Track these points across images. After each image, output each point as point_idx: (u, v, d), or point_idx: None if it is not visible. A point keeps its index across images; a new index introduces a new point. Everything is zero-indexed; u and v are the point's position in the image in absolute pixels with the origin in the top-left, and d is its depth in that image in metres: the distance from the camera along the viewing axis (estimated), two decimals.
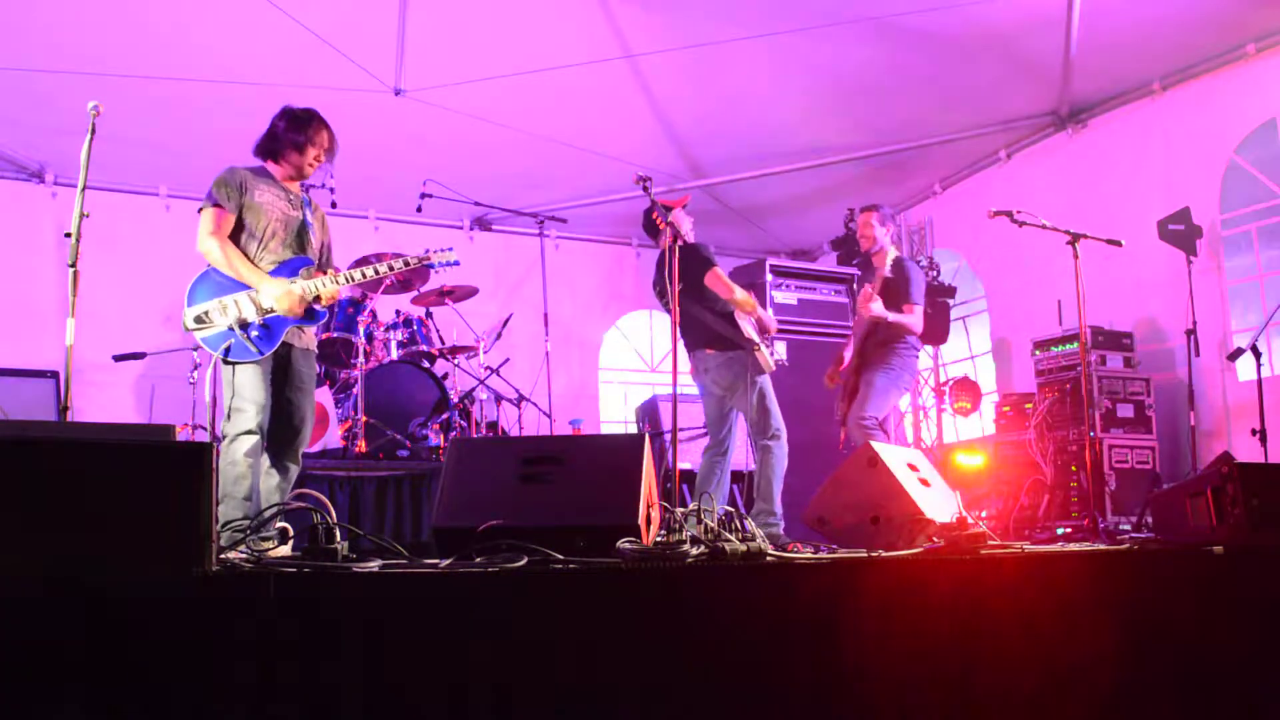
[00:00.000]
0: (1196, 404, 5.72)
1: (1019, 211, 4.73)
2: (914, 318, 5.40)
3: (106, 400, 6.69)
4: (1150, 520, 4.15)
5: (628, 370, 9.29)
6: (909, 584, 2.64)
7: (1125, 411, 6.05)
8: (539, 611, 2.16)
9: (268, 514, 2.91)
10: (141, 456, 1.99)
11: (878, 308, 5.31)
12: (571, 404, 7.97)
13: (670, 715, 2.22)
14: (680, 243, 4.63)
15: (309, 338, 4.13)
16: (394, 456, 5.80)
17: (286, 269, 4.00)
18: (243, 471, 3.74)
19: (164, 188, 7.31)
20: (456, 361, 6.61)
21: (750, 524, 2.79)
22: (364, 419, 5.73)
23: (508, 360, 6.91)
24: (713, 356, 5.19)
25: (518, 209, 7.30)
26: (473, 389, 6.48)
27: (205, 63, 5.75)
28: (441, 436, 6.05)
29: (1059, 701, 2.69)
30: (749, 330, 5.16)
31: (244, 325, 3.82)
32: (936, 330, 7.24)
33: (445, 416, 6.11)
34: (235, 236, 3.95)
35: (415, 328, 6.53)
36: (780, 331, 6.18)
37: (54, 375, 6.01)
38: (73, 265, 3.46)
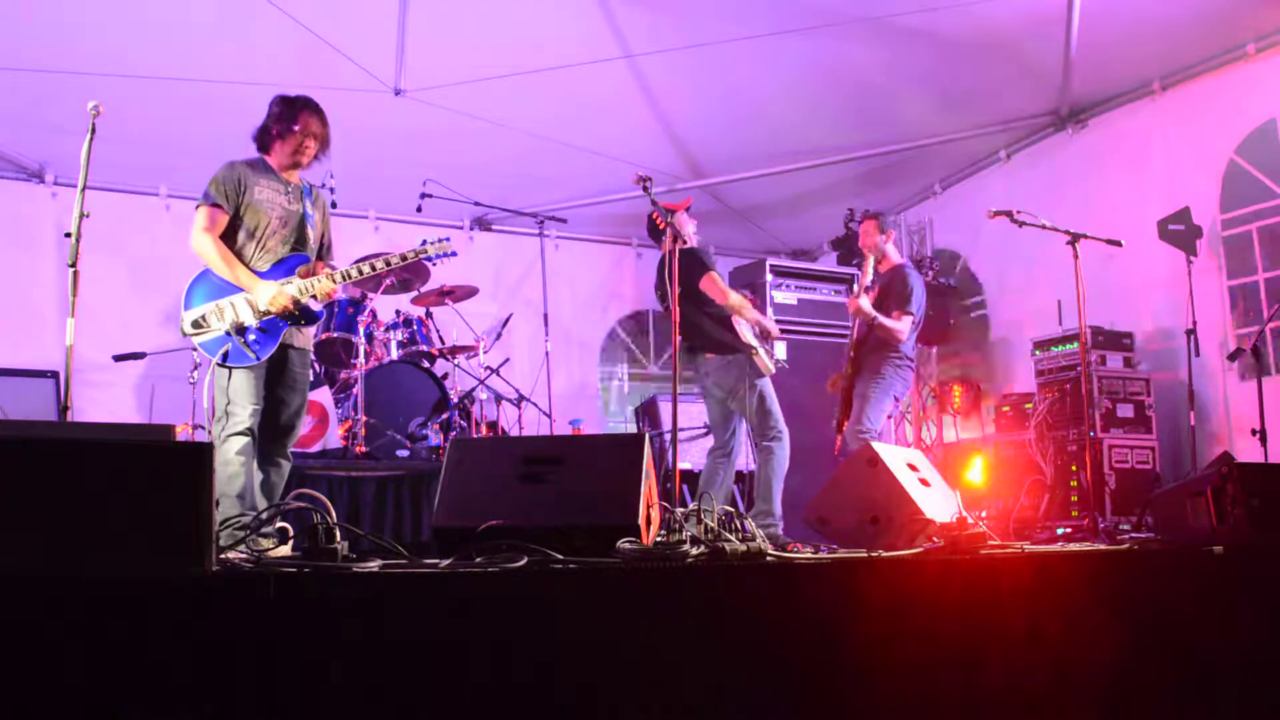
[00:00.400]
0: (1196, 404, 5.72)
1: (1019, 211, 4.73)
2: (900, 325, 5.38)
3: (106, 400, 6.68)
4: (1150, 520, 4.14)
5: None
6: (909, 584, 2.64)
7: (1125, 411, 6.05)
8: (539, 611, 2.16)
9: (267, 514, 2.90)
10: (141, 456, 1.99)
11: (864, 304, 5.33)
12: (571, 404, 7.96)
13: (670, 715, 2.22)
14: (681, 245, 4.63)
15: (306, 337, 4.12)
16: (394, 456, 5.80)
17: (283, 268, 4.00)
18: (236, 470, 3.73)
19: (164, 188, 7.29)
20: (456, 361, 6.60)
21: (750, 524, 2.79)
22: (364, 419, 5.73)
23: (508, 360, 6.91)
24: (712, 360, 5.19)
25: (518, 209, 7.30)
26: (473, 389, 6.48)
27: (205, 63, 5.74)
28: (441, 436, 6.05)
29: (1059, 700, 2.69)
30: (747, 334, 5.16)
31: (241, 330, 3.82)
32: (936, 330, 7.24)
33: (445, 416, 6.10)
34: (233, 235, 3.95)
35: (415, 328, 6.52)
36: (780, 332, 6.17)
37: (54, 375, 6.01)
38: (73, 265, 3.46)
